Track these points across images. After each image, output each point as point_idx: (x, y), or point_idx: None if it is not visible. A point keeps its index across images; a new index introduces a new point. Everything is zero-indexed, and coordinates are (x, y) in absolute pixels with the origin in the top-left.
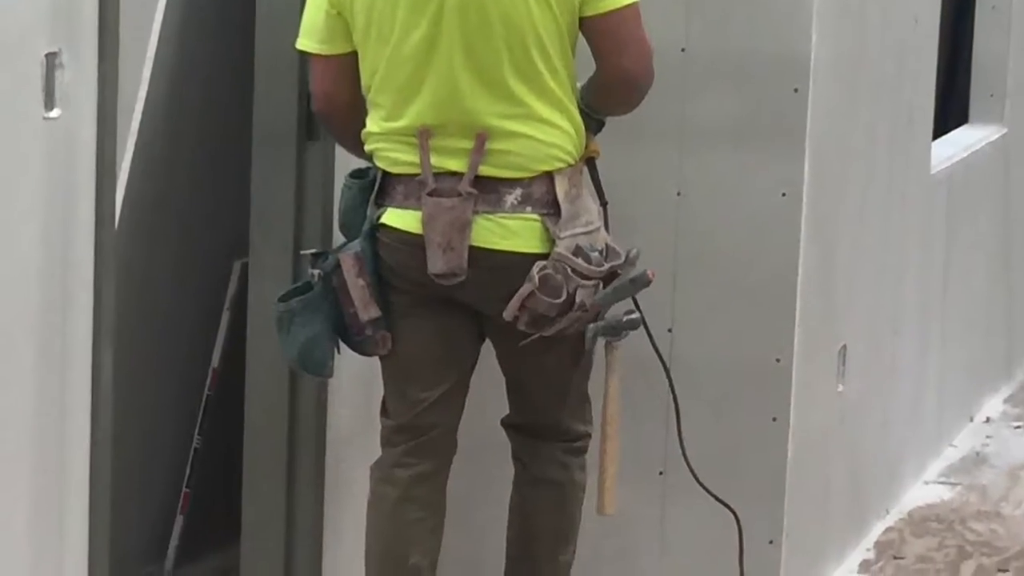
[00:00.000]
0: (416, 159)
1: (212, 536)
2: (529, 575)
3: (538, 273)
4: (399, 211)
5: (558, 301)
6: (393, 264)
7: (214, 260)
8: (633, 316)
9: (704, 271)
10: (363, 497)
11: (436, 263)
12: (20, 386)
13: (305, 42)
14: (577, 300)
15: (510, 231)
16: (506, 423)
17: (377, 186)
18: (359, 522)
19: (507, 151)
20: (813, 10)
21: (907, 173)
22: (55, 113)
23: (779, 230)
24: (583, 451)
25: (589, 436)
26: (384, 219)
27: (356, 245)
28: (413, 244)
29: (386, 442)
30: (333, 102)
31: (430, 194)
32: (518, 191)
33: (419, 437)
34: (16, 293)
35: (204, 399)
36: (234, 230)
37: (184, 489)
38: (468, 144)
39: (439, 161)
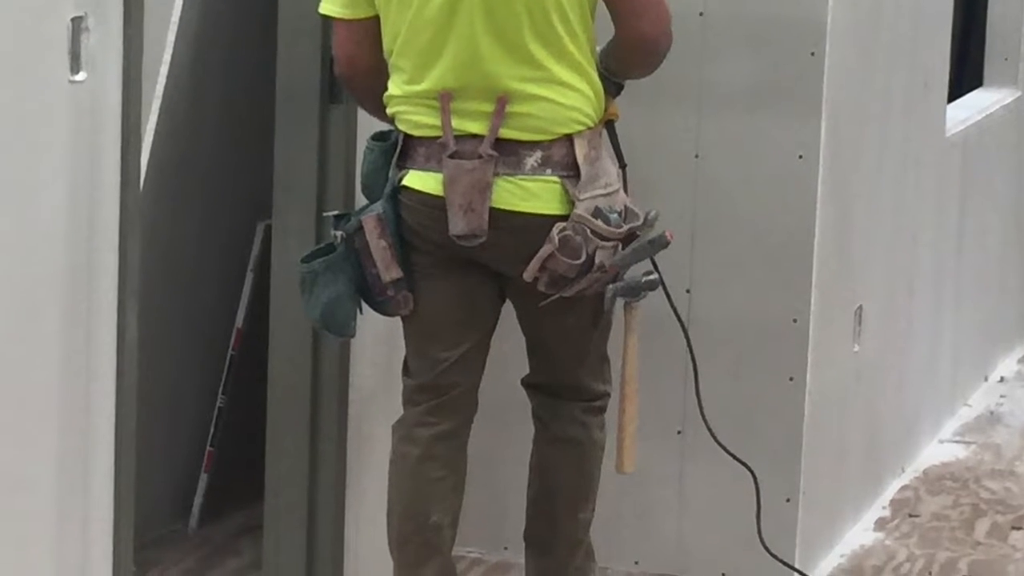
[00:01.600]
0: (437, 122)
1: (236, 494)
2: (549, 532)
3: (558, 234)
4: (420, 173)
5: (577, 262)
6: (415, 225)
7: (238, 222)
8: (652, 277)
9: (722, 233)
10: (385, 455)
11: (457, 224)
12: (46, 346)
13: (328, 6)
14: (596, 261)
15: (530, 193)
16: (526, 383)
17: (399, 148)
18: (381, 479)
19: (527, 114)
20: None
21: (922, 136)
22: (81, 76)
23: (796, 192)
24: (602, 410)
25: (608, 395)
26: (406, 181)
27: (378, 207)
28: (434, 206)
29: (408, 401)
30: (356, 66)
31: (451, 156)
32: (538, 153)
33: (440, 396)
34: (42, 254)
35: (228, 359)
36: (258, 192)
37: (208, 447)
38: (489, 107)
39: (460, 124)
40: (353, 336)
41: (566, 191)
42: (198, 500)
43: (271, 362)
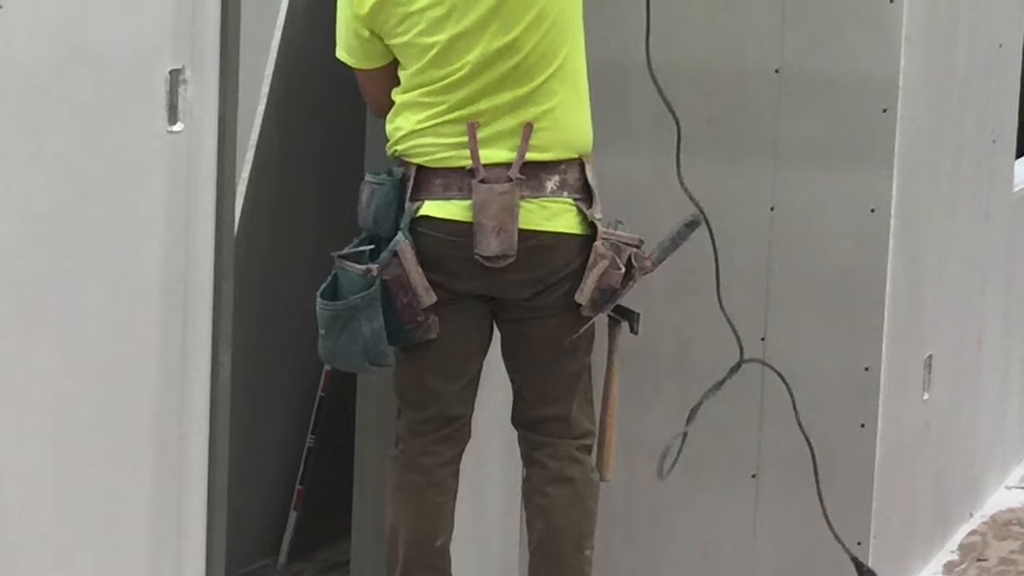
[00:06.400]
0: (457, 152)
1: (324, 531)
2: (558, 572)
3: (604, 250)
4: (440, 202)
5: (621, 272)
6: (430, 255)
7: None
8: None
9: (796, 283)
10: (472, 490)
11: (489, 246)
12: (143, 385)
13: (344, 55)
14: (635, 265)
15: (552, 212)
16: (519, 421)
17: (412, 182)
18: (463, 517)
19: (548, 140)
20: (902, 35)
21: (991, 191)
22: (178, 127)
23: (868, 244)
24: (590, 449)
25: (594, 435)
26: (423, 211)
27: (401, 237)
28: (455, 232)
29: (410, 433)
30: (384, 106)
31: (482, 181)
32: (556, 177)
33: (445, 428)
34: (140, 295)
35: (317, 400)
36: (347, 235)
37: (298, 486)
38: (514, 135)
39: (487, 151)
40: (391, 366)
41: (581, 212)
42: (287, 536)
43: (359, 403)
